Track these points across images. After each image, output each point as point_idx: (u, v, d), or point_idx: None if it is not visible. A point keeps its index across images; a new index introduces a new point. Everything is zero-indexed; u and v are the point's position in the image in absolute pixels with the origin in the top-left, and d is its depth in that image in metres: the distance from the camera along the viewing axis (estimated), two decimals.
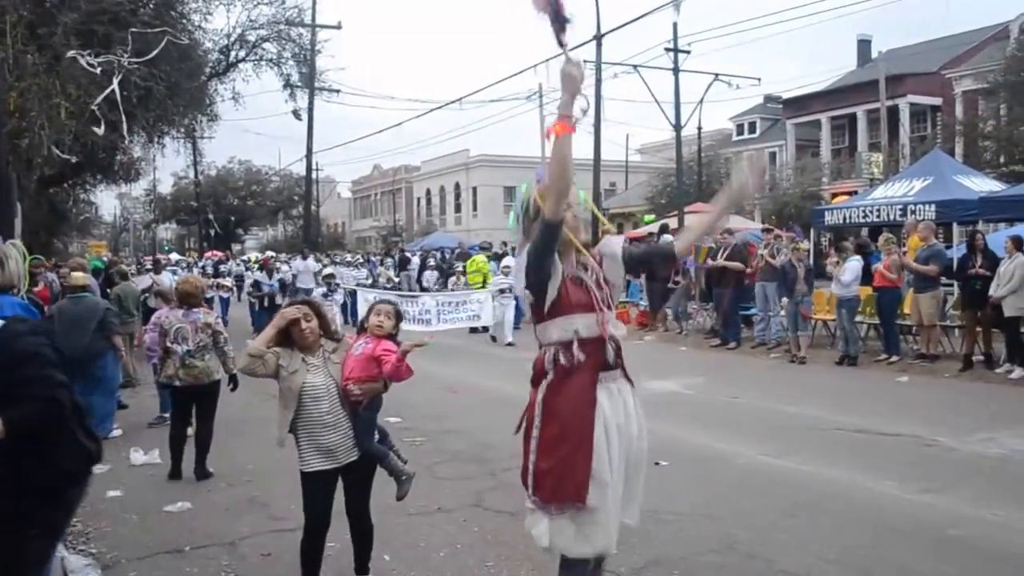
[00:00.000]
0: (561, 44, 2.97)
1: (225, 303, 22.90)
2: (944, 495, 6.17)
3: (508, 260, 16.62)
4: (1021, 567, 4.86)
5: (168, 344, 7.14)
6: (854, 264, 12.76)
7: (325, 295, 14.85)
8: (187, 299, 7.40)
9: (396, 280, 22.63)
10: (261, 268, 22.45)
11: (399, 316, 4.60)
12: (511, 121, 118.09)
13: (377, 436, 4.60)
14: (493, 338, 16.69)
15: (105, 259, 23.87)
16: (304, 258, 21.92)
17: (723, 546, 5.19)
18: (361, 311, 14.18)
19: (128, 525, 5.94)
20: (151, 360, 7.85)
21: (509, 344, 15.98)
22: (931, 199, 14.30)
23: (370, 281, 21.35)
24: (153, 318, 7.58)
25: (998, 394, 10.34)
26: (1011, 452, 7.36)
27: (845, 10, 50.07)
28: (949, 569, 4.79)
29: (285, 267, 22.61)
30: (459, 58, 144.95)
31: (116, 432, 8.76)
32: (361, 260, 25.05)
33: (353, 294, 17.13)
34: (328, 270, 18.20)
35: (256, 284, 19.47)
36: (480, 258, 20.62)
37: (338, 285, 15.78)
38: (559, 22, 2.93)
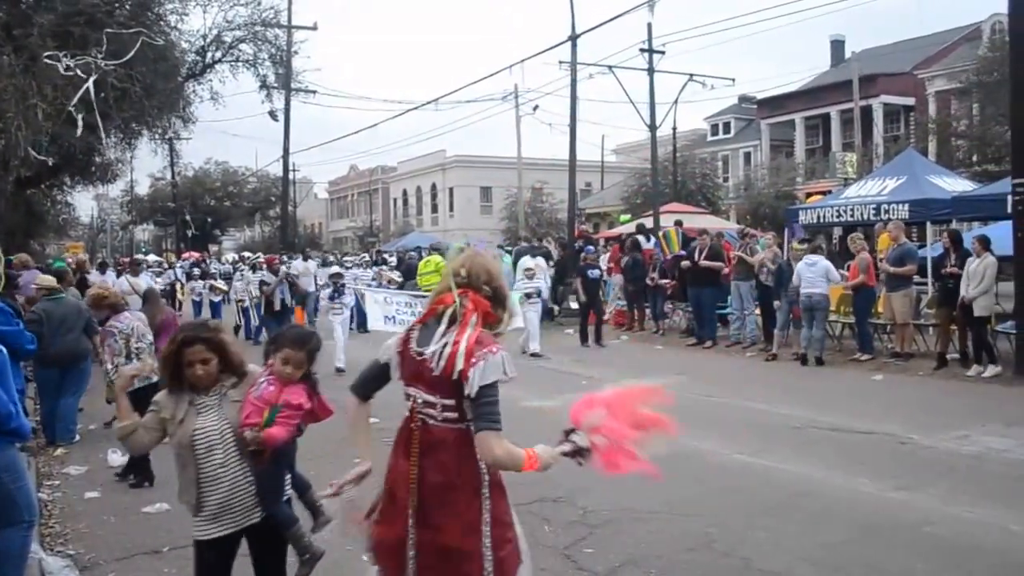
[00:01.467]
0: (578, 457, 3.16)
1: (216, 307, 21.44)
2: (918, 492, 6.26)
3: (528, 261, 15.71)
4: (994, 564, 4.93)
5: (136, 345, 7.11)
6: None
7: (332, 297, 13.64)
8: (120, 304, 7.48)
9: (399, 281, 21.06)
10: (253, 269, 20.27)
11: (313, 356, 3.79)
12: (487, 122, 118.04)
13: (290, 492, 3.88)
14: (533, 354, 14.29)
15: (71, 261, 23.42)
16: (305, 259, 20.08)
17: (700, 544, 5.24)
18: (371, 314, 13.11)
19: (106, 526, 5.91)
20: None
21: (535, 355, 14.15)
22: (904, 198, 14.46)
23: (376, 283, 19.90)
24: (112, 326, 7.29)
25: (971, 392, 10.49)
26: (985, 450, 7.47)
27: (819, 11, 50.55)
28: (923, 566, 4.85)
29: (283, 268, 21.02)
30: (435, 59, 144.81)
31: (78, 437, 8.75)
32: (368, 260, 22.60)
33: (360, 296, 15.48)
34: (334, 268, 16.43)
35: (262, 285, 18.89)
36: (436, 258, 19.05)
37: (344, 286, 14.21)
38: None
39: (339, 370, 12.09)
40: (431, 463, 3.03)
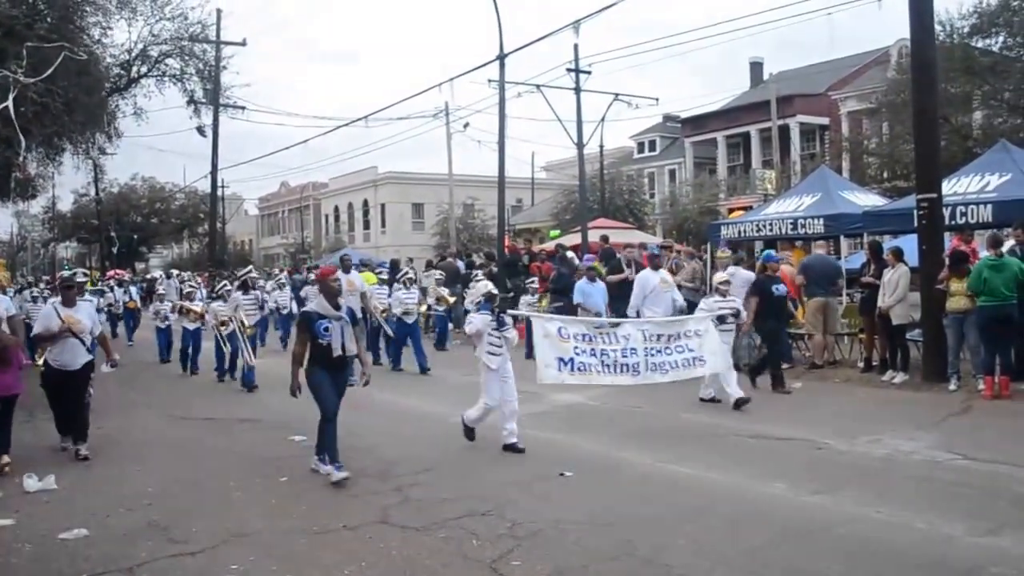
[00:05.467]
0: None
1: (194, 337, 15.44)
2: (833, 496, 6.49)
3: (723, 275, 11.46)
4: (901, 561, 5.14)
5: None
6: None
7: (500, 326, 8.29)
8: None
9: (451, 300, 17.20)
10: (244, 288, 14.39)
11: None
12: (418, 139, 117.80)
13: None
14: (710, 399, 10.67)
15: None
16: (346, 270, 13.75)
17: (622, 553, 5.33)
18: (541, 355, 8.97)
19: (20, 555, 5.73)
20: None
21: (741, 401, 10.11)
22: (819, 213, 14.99)
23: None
24: None
25: (883, 398, 10.93)
26: (894, 452, 7.79)
27: (739, 34, 52.19)
28: (837, 567, 5.03)
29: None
30: (366, 76, 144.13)
31: None
32: (411, 276, 16.03)
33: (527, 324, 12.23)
34: (483, 284, 9.38)
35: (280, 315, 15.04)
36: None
37: (505, 313, 8.67)
38: None
39: (511, 447, 8.25)
40: None
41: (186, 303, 16.25)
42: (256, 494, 7.01)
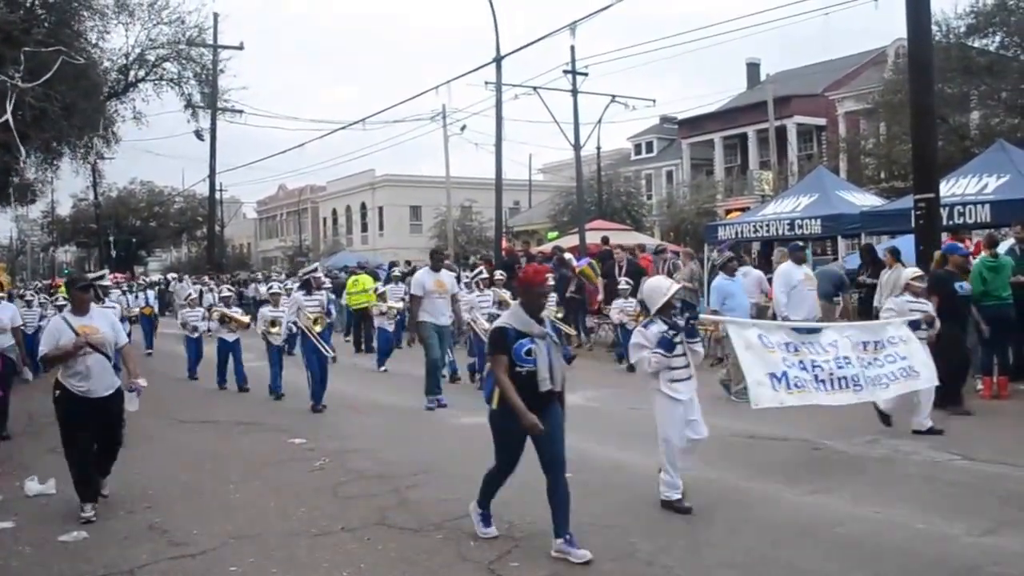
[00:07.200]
0: None
1: (233, 350, 13.70)
2: (831, 495, 6.51)
3: (915, 269, 9.54)
4: (901, 561, 5.15)
5: None
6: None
7: (670, 342, 6.14)
8: None
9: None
10: (307, 288, 12.03)
11: None
12: (415, 141, 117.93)
13: None
14: (885, 416, 8.59)
15: None
16: (435, 269, 11.56)
17: (623, 555, 5.34)
18: (750, 373, 7.25)
19: (21, 558, 5.75)
20: None
21: (931, 431, 8.43)
22: (817, 214, 15.03)
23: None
24: None
25: None
26: (893, 452, 7.81)
27: (736, 34, 52.32)
28: (835, 567, 5.06)
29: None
30: (363, 79, 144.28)
31: None
32: (485, 275, 14.02)
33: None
34: (668, 284, 6.69)
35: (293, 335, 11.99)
36: (365, 277, 17.51)
37: (695, 319, 6.91)
38: None
39: (677, 506, 6.23)
40: None
41: (226, 310, 14.31)
42: (256, 496, 7.02)
